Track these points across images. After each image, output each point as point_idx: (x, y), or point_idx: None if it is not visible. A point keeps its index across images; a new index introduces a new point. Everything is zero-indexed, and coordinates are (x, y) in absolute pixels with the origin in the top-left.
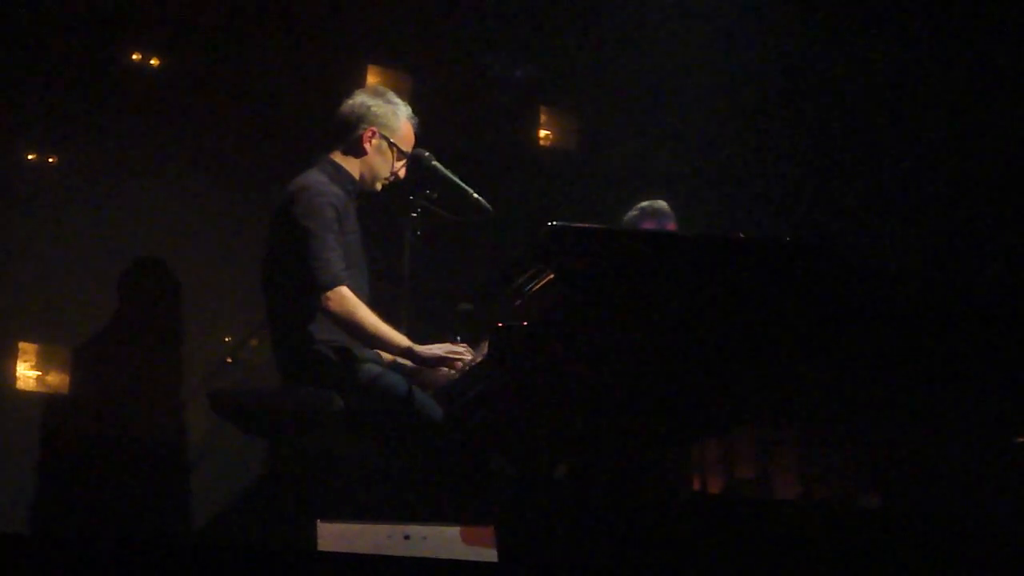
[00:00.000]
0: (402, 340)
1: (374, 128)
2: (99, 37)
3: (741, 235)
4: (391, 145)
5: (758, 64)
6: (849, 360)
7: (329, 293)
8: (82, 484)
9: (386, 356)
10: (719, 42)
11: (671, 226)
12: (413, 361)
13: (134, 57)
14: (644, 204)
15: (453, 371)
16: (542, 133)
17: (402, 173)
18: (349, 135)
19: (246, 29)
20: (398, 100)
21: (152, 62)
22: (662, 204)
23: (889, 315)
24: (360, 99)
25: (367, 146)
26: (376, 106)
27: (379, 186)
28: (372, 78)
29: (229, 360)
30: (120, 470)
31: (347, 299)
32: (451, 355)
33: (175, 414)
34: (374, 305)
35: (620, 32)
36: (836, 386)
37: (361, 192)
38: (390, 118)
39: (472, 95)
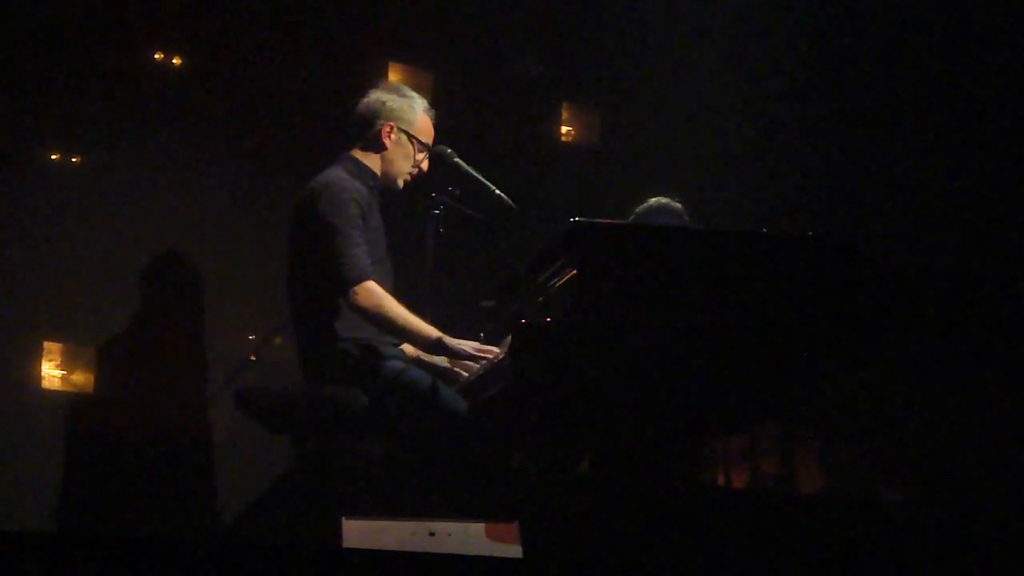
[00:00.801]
0: (432, 332)
1: (391, 123)
2: (121, 36)
3: (765, 231)
4: (410, 138)
5: (788, 58)
6: (872, 356)
7: (356, 288)
8: (107, 483)
9: (409, 351)
10: (748, 34)
11: None
12: (443, 353)
13: (156, 56)
14: (647, 205)
15: (477, 365)
16: (564, 129)
17: (424, 166)
18: (367, 132)
19: (268, 27)
20: (414, 94)
21: (175, 61)
22: (669, 203)
23: (912, 312)
24: (376, 95)
25: (386, 141)
26: (391, 101)
27: (401, 182)
28: (393, 75)
29: (253, 358)
30: (145, 468)
31: (375, 293)
32: (481, 353)
33: (199, 412)
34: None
35: (644, 25)
36: (859, 382)
37: (384, 188)
38: (407, 112)
39: (494, 92)
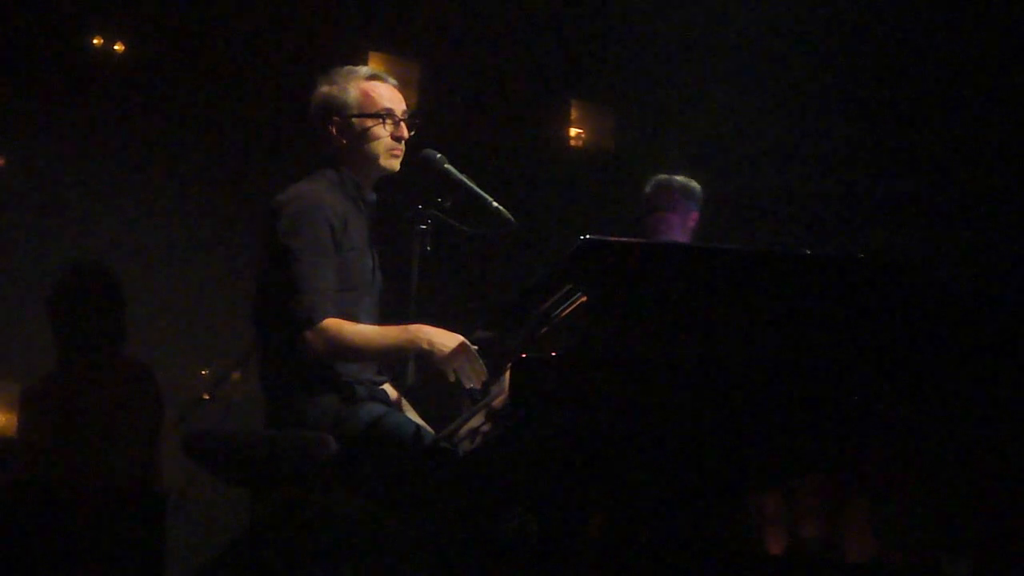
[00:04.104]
0: (404, 333)
1: (334, 117)
2: (55, 19)
3: (809, 252)
4: (359, 117)
5: (817, 55)
6: (935, 397)
7: (307, 333)
8: (32, 542)
9: (392, 394)
10: (776, 25)
11: (694, 215)
12: (427, 349)
13: (96, 42)
14: (662, 177)
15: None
16: (573, 131)
17: (404, 132)
18: (323, 136)
19: (227, 10)
20: (347, 69)
21: (117, 47)
22: (688, 183)
23: (984, 344)
24: (314, 96)
25: (341, 139)
26: (324, 94)
27: (388, 163)
28: (374, 67)
29: (206, 396)
30: (77, 527)
31: (328, 333)
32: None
33: (142, 460)
34: None
35: (663, 13)
36: (919, 427)
37: (381, 181)
38: (340, 95)
39: (491, 86)
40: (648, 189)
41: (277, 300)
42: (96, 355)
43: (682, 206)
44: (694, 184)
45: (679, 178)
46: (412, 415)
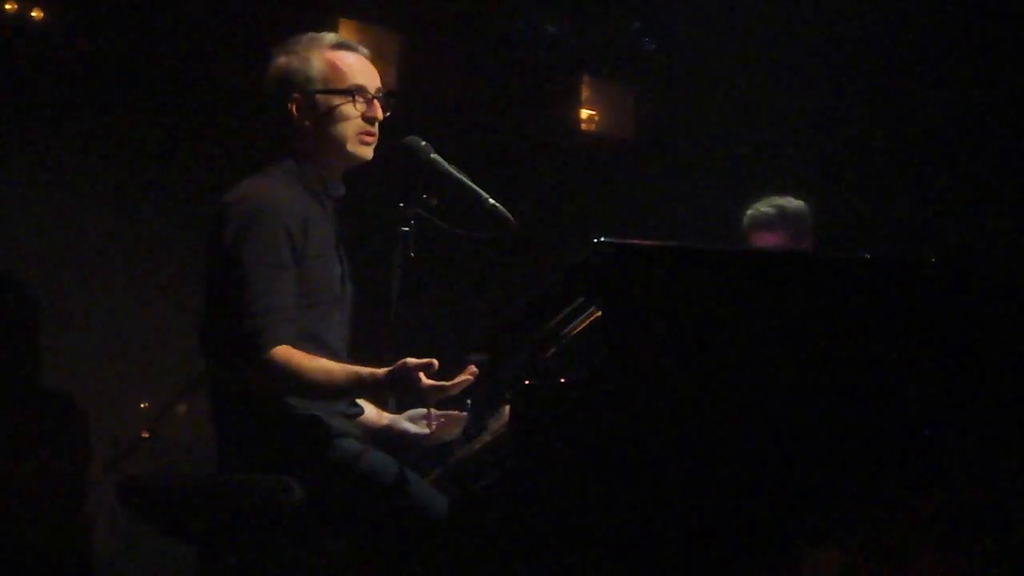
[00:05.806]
0: (353, 374)
1: (294, 93)
2: None
3: (867, 256)
4: (324, 93)
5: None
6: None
7: (253, 361)
8: None
9: (372, 417)
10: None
11: (807, 239)
12: (389, 393)
13: (8, 7)
14: (764, 208)
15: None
16: (586, 113)
17: (378, 113)
18: (282, 117)
19: None
20: (315, 36)
21: (34, 14)
22: (793, 205)
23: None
24: (272, 66)
25: (302, 118)
26: (282, 66)
27: (359, 149)
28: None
29: (146, 435)
30: None
31: (277, 363)
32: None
33: (70, 511)
34: (353, 353)
35: None
36: (995, 463)
37: (348, 171)
38: (303, 66)
39: (488, 62)
40: (745, 224)
41: (224, 320)
42: (5, 386)
43: (789, 235)
44: (797, 203)
45: (776, 203)
46: (412, 427)
